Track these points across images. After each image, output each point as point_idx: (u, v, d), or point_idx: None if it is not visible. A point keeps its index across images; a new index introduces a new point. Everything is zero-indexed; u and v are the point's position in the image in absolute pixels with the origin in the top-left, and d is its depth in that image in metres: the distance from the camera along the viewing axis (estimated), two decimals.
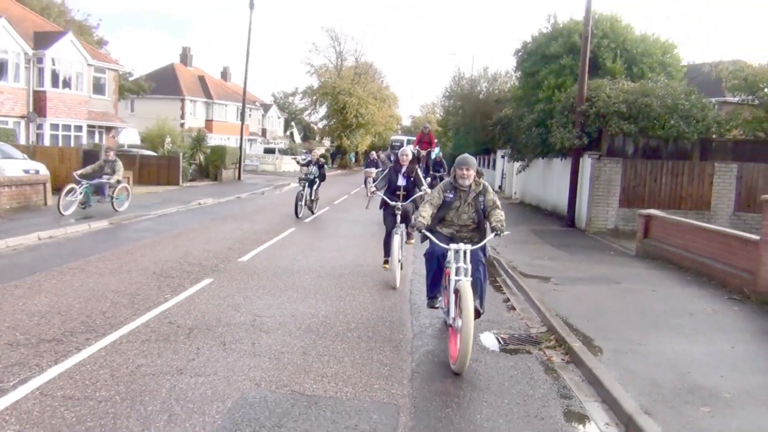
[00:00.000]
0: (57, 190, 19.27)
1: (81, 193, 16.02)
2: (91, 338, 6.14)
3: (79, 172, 16.67)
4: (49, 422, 4.30)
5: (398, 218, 9.34)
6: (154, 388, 4.98)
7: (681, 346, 6.53)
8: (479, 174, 6.64)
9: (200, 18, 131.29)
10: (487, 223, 6.57)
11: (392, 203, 9.38)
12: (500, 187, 33.99)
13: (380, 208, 9.97)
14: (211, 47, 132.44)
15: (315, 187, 18.64)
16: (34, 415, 4.41)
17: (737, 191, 16.59)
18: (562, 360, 6.37)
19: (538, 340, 7.03)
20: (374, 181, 10.50)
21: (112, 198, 16.81)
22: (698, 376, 5.62)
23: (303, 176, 18.35)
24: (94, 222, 14.81)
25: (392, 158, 11.02)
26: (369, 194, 10.02)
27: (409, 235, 10.03)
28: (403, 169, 9.63)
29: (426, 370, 5.76)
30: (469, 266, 5.89)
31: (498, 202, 6.58)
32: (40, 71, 30.96)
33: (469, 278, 5.81)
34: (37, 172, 20.25)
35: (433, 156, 22.09)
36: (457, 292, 5.74)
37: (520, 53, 22.55)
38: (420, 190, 9.46)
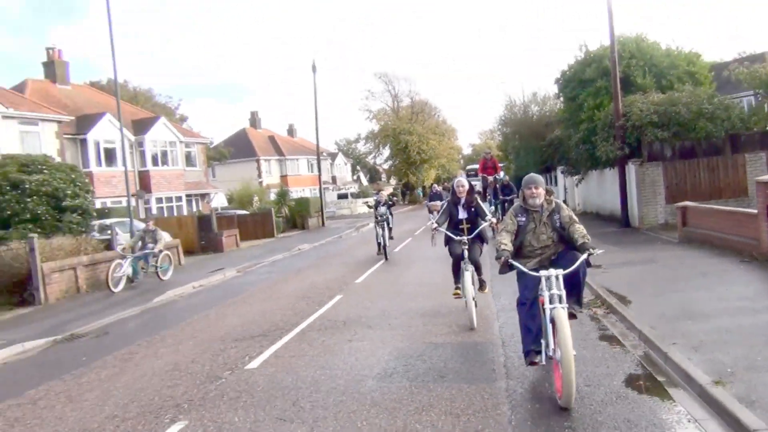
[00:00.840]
0: (187, 252, 23.15)
1: (127, 267, 16.20)
2: (283, 332, 9.34)
3: (121, 246, 17.13)
4: (290, 365, 7.42)
5: (465, 253, 8.80)
6: (340, 348, 8.08)
7: (688, 294, 9.15)
8: (549, 192, 6.47)
9: (260, 82, 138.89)
10: (574, 243, 6.13)
11: (457, 238, 8.85)
12: (564, 201, 36.28)
13: (445, 244, 9.41)
14: (272, 107, 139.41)
15: (389, 225, 19.10)
16: (279, 363, 7.56)
17: None
18: (604, 312, 9.11)
19: (588, 305, 9.75)
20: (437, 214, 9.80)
21: (156, 267, 17.09)
22: (693, 307, 8.26)
23: (378, 219, 18.47)
24: (227, 271, 18.30)
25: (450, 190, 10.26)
26: (432, 231, 9.18)
27: (482, 283, 9.50)
28: (462, 201, 9.11)
29: (509, 328, 8.55)
30: (563, 292, 5.61)
31: (575, 218, 6.31)
32: (142, 153, 35.42)
33: (565, 305, 5.58)
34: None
35: (499, 178, 23.89)
36: (553, 321, 5.55)
37: (560, 81, 25.31)
38: (484, 221, 9.07)
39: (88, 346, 10.16)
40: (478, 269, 9.20)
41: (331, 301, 11.77)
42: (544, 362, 5.93)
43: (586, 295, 10.30)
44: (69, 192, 18.03)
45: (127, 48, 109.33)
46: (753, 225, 11.58)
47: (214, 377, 7.28)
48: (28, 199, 17.17)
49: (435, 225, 9.09)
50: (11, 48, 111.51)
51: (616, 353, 6.99)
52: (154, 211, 34.82)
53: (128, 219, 23.06)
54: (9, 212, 16.89)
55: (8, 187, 17.14)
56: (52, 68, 35.71)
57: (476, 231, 8.96)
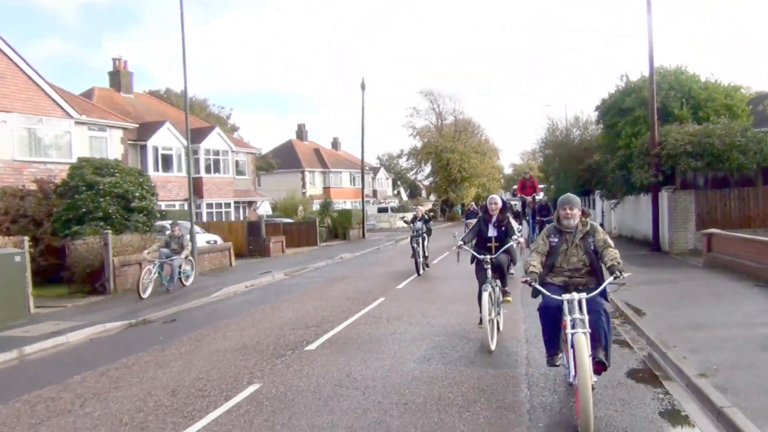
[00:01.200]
0: (236, 255, 24.68)
1: (155, 273, 16.13)
2: (333, 324, 10.65)
3: (147, 251, 16.63)
4: (342, 348, 8.71)
5: (489, 272, 8.61)
6: (384, 338, 9.35)
7: (697, 310, 10.15)
8: (585, 214, 6.33)
9: (307, 94, 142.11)
10: (603, 266, 6.20)
11: (481, 257, 8.71)
12: (602, 224, 36.94)
13: (471, 262, 9.22)
14: (318, 119, 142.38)
15: (426, 243, 18.90)
16: (333, 347, 8.86)
17: None
18: (620, 322, 10.17)
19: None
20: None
21: (180, 273, 17.16)
22: (699, 321, 9.27)
23: (414, 233, 18.43)
24: (275, 274, 19.70)
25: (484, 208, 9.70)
26: (456, 248, 8.99)
27: (505, 293, 9.33)
28: (493, 219, 9.08)
29: (533, 330, 9.66)
30: (586, 317, 5.55)
31: (610, 241, 6.23)
32: (196, 161, 37.24)
33: (587, 330, 5.51)
34: (215, 242, 25.75)
35: (538, 198, 24.76)
36: (573, 346, 5.49)
37: (600, 108, 26.33)
38: (511, 240, 9.01)
39: (161, 329, 11.59)
40: (503, 278, 9.16)
41: (375, 302, 13.03)
42: (564, 364, 6.10)
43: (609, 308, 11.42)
44: (137, 194, 19.66)
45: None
46: None
47: (278, 354, 8.62)
48: (101, 199, 18.78)
49: (460, 242, 8.94)
50: (65, 54, 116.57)
51: (624, 353, 8.09)
52: (204, 217, 36.64)
53: (183, 221, 24.86)
54: (84, 210, 18.50)
55: (84, 187, 18.80)
56: (117, 78, 38.07)
57: (501, 250, 8.86)
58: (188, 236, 17.84)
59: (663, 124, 21.42)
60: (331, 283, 17.33)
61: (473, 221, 24.46)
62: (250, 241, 28.44)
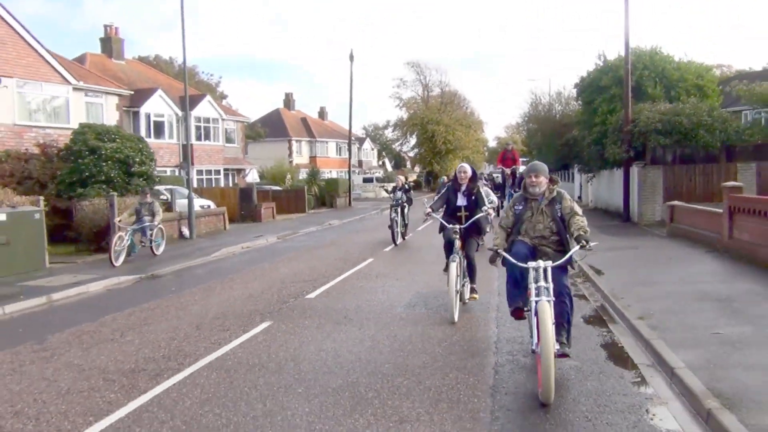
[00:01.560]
0: (230, 220, 25.81)
1: (127, 240, 15.75)
2: (329, 279, 11.96)
3: (118, 218, 16.33)
4: (338, 297, 10.00)
5: (457, 243, 8.53)
6: (375, 290, 10.67)
7: (650, 271, 11.53)
8: (553, 181, 6.33)
9: (293, 63, 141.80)
10: (570, 235, 6.11)
11: (450, 226, 8.58)
12: (579, 197, 38.48)
13: (439, 231, 9.29)
14: (304, 89, 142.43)
15: (405, 211, 19.47)
16: (330, 296, 10.18)
17: (758, 185, 20.85)
18: (582, 281, 11.53)
19: (572, 276, 12.13)
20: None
21: (151, 241, 16.78)
22: (650, 279, 10.65)
23: (393, 203, 18.99)
24: (268, 237, 20.91)
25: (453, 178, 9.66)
26: (425, 216, 9.13)
27: (473, 290, 9.22)
28: (463, 188, 8.89)
29: (504, 284, 10.97)
30: (551, 285, 5.56)
31: (577, 209, 6.20)
32: (187, 128, 38.06)
33: (551, 298, 5.50)
34: (209, 206, 26.86)
35: (519, 171, 26.01)
36: (537, 313, 5.47)
37: (579, 86, 27.59)
38: (481, 211, 8.79)
39: (171, 282, 12.80)
40: (471, 269, 9.04)
41: (365, 262, 14.33)
42: (527, 309, 6.14)
43: (573, 271, 12.79)
44: (137, 159, 20.65)
45: (170, 21, 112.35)
46: (718, 222, 13.87)
47: (282, 301, 9.91)
48: (104, 164, 19.74)
49: (428, 210, 8.92)
50: (45, 15, 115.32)
51: (581, 304, 9.43)
52: (195, 183, 37.49)
53: (177, 186, 25.99)
54: (87, 173, 19.48)
55: (87, 152, 19.76)
56: (109, 44, 38.55)
57: (471, 220, 8.66)
58: (157, 204, 17.38)
59: (637, 103, 22.70)
60: (322, 245, 18.58)
61: None
62: (242, 206, 29.58)
